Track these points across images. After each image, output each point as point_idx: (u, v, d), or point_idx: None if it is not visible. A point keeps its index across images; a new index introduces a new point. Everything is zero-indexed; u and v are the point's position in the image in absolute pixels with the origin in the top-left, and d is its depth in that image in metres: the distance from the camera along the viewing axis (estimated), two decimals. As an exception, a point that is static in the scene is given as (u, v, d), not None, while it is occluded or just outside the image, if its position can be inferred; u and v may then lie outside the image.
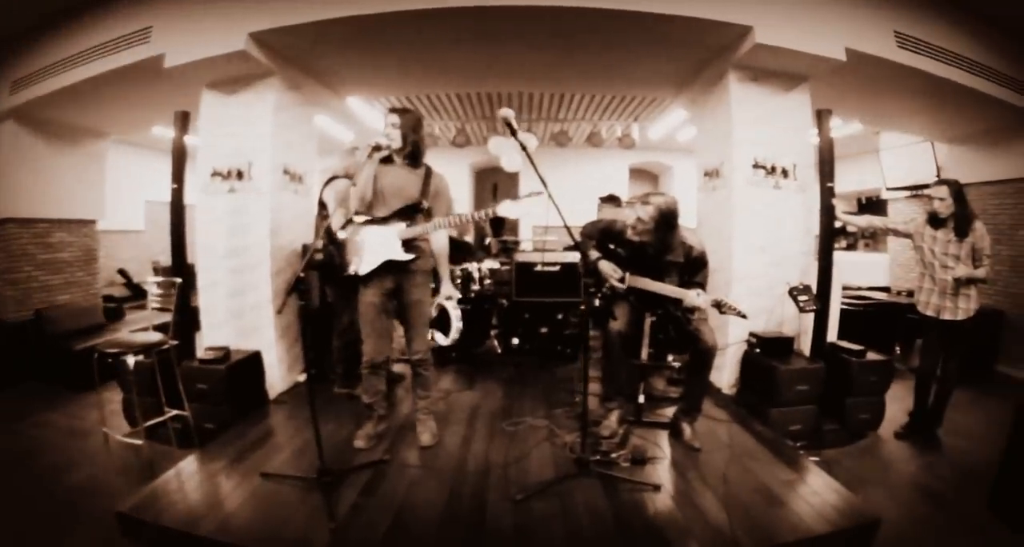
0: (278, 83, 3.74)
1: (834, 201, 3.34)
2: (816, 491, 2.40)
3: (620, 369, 2.93)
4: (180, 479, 2.46)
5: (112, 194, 5.33)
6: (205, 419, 3.26)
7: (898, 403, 3.52)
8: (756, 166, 3.61)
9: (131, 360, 3.28)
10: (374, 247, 2.66)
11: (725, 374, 3.68)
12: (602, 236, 3.01)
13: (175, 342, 3.32)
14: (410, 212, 2.67)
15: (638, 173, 10.06)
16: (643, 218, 2.68)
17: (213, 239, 3.80)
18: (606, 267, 2.92)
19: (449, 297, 2.85)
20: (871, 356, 3.35)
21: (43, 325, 4.37)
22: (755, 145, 3.60)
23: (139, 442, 3.12)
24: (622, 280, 2.88)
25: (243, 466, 2.58)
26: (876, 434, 3.37)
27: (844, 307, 4.18)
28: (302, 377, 3.94)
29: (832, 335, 3.56)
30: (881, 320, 4.93)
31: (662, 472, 2.58)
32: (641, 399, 3.18)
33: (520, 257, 4.31)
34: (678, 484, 2.47)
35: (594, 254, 3.00)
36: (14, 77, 4.20)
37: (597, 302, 3.06)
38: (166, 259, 4.79)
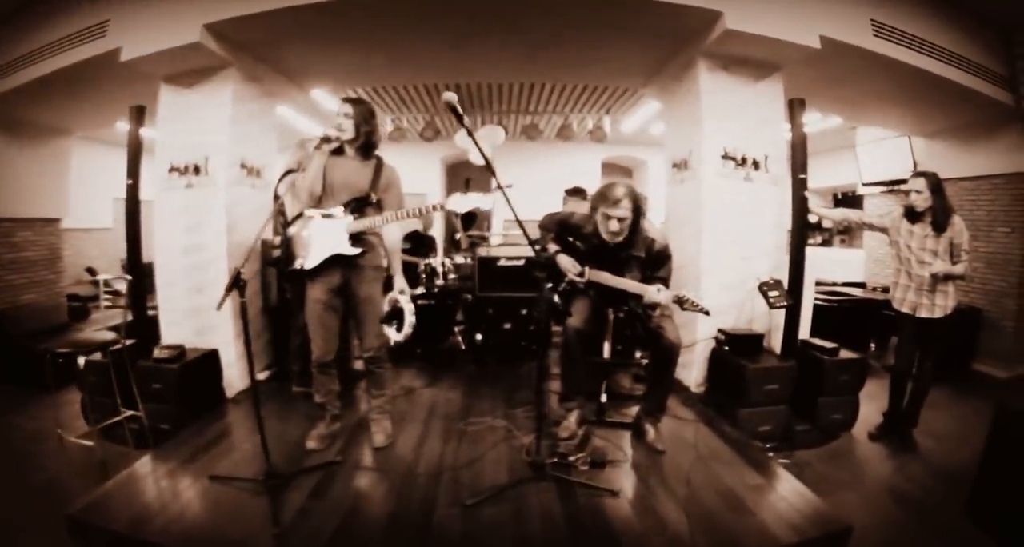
0: (236, 75, 3.50)
1: (807, 194, 3.11)
2: (784, 497, 2.19)
3: (578, 368, 2.70)
4: (130, 482, 2.30)
5: (80, 192, 5.10)
6: (160, 419, 3.05)
7: (872, 402, 3.29)
8: (726, 157, 3.37)
9: (81, 360, 3.09)
10: (321, 241, 2.46)
11: (693, 372, 3.45)
12: (560, 229, 2.77)
13: (131, 341, 3.11)
14: (359, 205, 2.47)
15: (611, 167, 9.71)
16: (623, 216, 2.42)
17: (170, 236, 3.58)
18: (565, 261, 2.69)
19: (402, 291, 2.62)
20: (844, 354, 3.11)
21: (5, 325, 4.12)
22: (725, 136, 3.36)
23: (91, 444, 2.93)
24: (581, 274, 2.65)
25: (194, 467, 2.42)
26: (849, 435, 3.13)
27: (818, 303, 3.97)
28: (263, 375, 3.71)
29: (804, 332, 3.34)
30: (856, 317, 4.69)
31: (622, 476, 2.36)
32: (604, 398, 2.95)
33: (483, 251, 4.07)
34: (638, 489, 2.25)
35: (552, 247, 2.77)
36: None
37: (556, 298, 2.83)
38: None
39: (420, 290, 4.19)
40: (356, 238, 2.45)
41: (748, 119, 3.38)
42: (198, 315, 3.52)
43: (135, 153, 3.34)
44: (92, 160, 6.06)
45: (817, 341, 3.19)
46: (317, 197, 2.47)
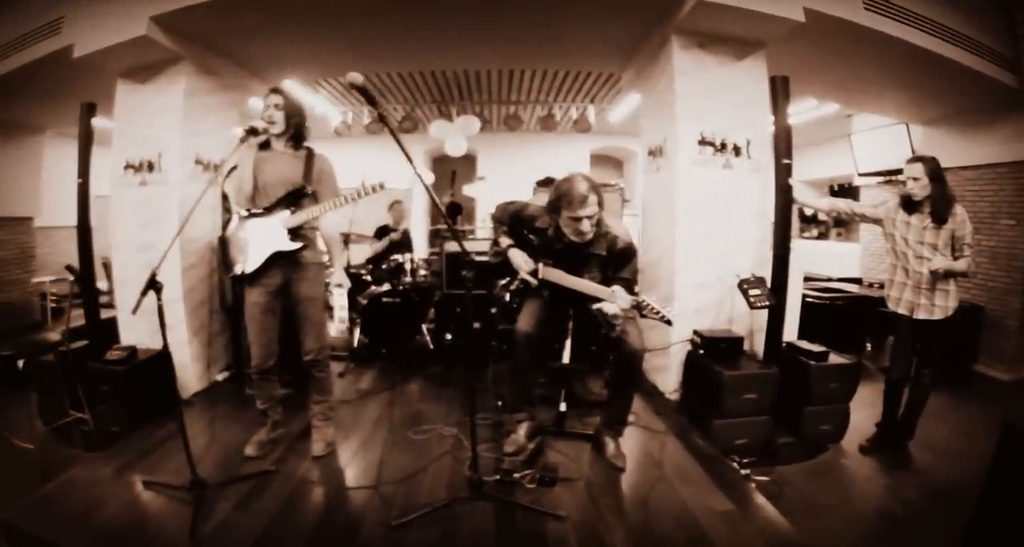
0: (189, 68, 3.21)
1: (792, 182, 2.68)
2: (753, 526, 1.84)
3: (527, 376, 2.33)
4: (66, 486, 2.14)
5: (58, 189, 4.80)
6: (110, 421, 2.79)
7: (865, 409, 2.84)
8: (703, 143, 2.94)
9: (20, 363, 2.83)
10: (259, 242, 2.23)
11: (669, 377, 3.04)
12: (513, 222, 2.38)
13: (82, 342, 2.94)
14: (294, 198, 2.23)
15: (601, 159, 9.17)
16: (594, 214, 2.05)
17: (126, 234, 3.30)
18: (517, 257, 2.32)
19: (339, 285, 2.31)
20: (834, 359, 2.66)
21: None
22: (701, 120, 2.93)
23: (29, 446, 2.73)
24: (534, 273, 2.27)
25: (132, 473, 2.23)
26: (838, 447, 2.68)
27: (809, 301, 3.52)
28: (221, 376, 3.43)
29: (792, 333, 2.91)
30: (850, 315, 4.13)
31: (573, 497, 2.01)
32: (563, 407, 2.58)
33: (450, 247, 3.70)
34: (588, 513, 1.90)
35: (505, 241, 2.39)
36: None
37: (508, 297, 2.46)
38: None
39: (385, 287, 3.88)
40: (295, 233, 2.22)
41: (728, 101, 2.95)
42: (153, 315, 3.20)
43: (84, 151, 3.11)
44: (66, 157, 5.81)
45: (804, 344, 2.74)
46: (249, 195, 2.22)
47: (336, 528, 1.85)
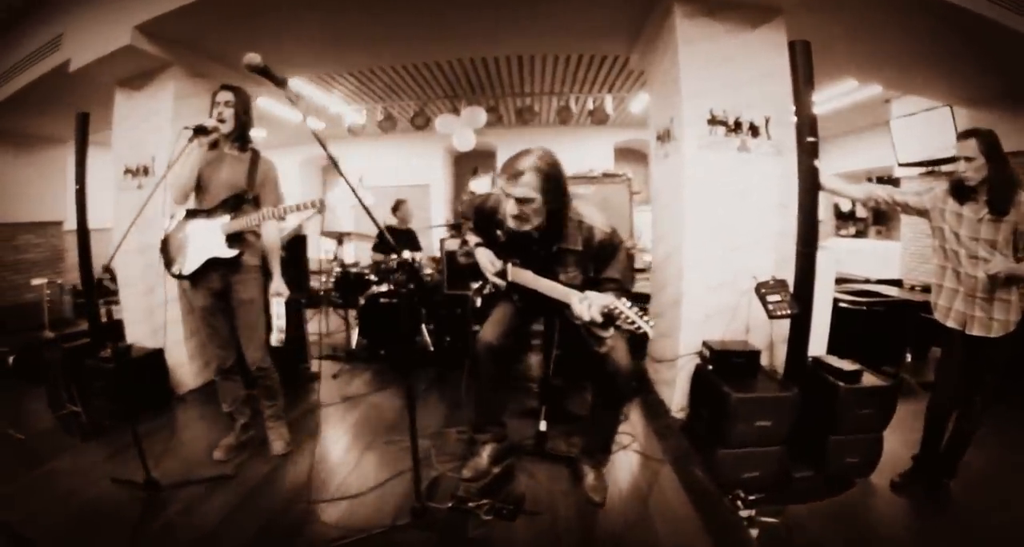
0: (178, 72, 3.31)
1: (818, 163, 2.27)
2: None
3: (492, 391, 2.13)
4: (46, 477, 2.28)
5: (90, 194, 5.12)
6: (103, 416, 2.92)
7: (902, 434, 2.39)
8: (713, 122, 2.60)
9: (10, 359, 3.24)
10: (197, 244, 2.22)
11: (676, 392, 2.75)
12: (476, 216, 2.17)
13: (84, 340, 3.11)
14: (236, 203, 2.21)
15: (626, 153, 8.63)
16: (525, 197, 1.75)
17: (127, 237, 3.39)
18: (483, 257, 2.11)
19: (278, 294, 2.25)
20: (868, 379, 2.24)
21: (5, 322, 4.21)
22: (711, 96, 2.59)
23: (21, 437, 2.86)
24: (502, 274, 2.06)
25: (107, 466, 2.32)
26: (867, 482, 2.25)
27: (844, 306, 3.05)
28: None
29: (820, 346, 2.53)
30: (889, 321, 3.50)
31: (532, 533, 1.81)
32: (543, 426, 2.38)
33: (451, 245, 3.56)
34: (543, 554, 1.70)
35: (473, 239, 2.20)
36: None
37: (480, 302, 2.27)
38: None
39: (384, 288, 3.82)
40: (233, 238, 2.19)
41: (742, 75, 2.58)
42: (152, 315, 3.40)
43: (81, 158, 3.24)
44: (92, 163, 6.24)
45: (833, 360, 2.33)
46: (189, 195, 2.22)
47: (270, 542, 1.79)
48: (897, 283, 4.50)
